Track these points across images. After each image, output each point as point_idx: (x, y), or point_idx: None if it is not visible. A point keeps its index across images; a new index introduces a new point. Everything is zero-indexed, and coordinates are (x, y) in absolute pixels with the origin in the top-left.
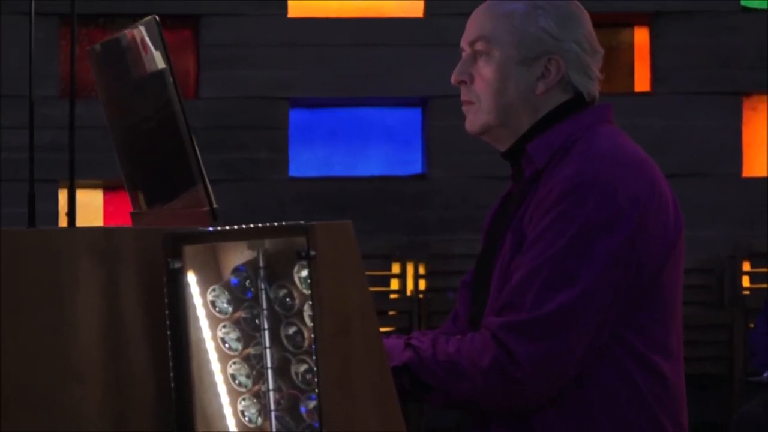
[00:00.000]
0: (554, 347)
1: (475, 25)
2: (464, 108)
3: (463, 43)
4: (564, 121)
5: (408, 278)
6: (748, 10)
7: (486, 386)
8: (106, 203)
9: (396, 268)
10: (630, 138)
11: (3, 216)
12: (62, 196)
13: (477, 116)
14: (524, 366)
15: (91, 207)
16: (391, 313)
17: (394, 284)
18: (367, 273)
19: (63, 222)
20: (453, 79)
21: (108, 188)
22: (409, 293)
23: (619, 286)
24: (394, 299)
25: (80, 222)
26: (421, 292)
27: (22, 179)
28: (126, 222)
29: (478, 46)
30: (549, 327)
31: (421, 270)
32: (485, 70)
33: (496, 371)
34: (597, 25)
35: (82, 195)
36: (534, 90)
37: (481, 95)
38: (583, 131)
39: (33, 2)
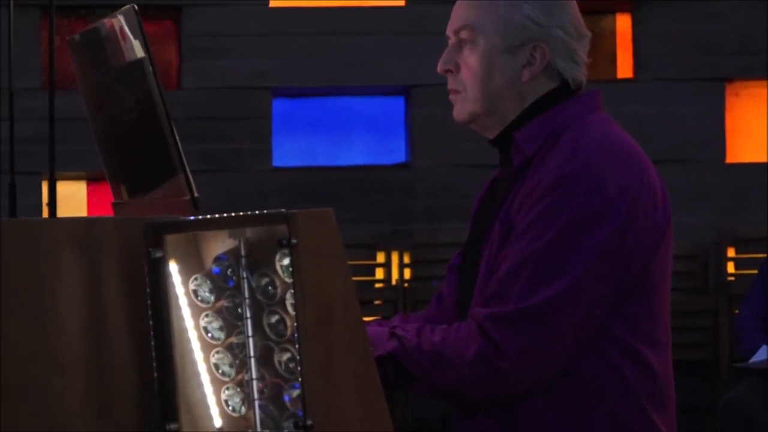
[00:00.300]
0: (540, 339)
1: (459, 13)
2: (451, 97)
3: (449, 31)
4: (552, 109)
5: (393, 267)
6: None
7: (471, 377)
8: (90, 195)
9: (381, 258)
10: (619, 125)
11: None
12: (45, 188)
13: (464, 105)
14: (510, 357)
15: (74, 199)
16: (376, 302)
17: (379, 273)
18: (352, 262)
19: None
20: (439, 68)
21: (91, 180)
22: (394, 282)
23: (608, 278)
24: (379, 288)
25: (64, 214)
26: (407, 281)
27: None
28: (109, 213)
29: (463, 34)
30: (535, 319)
31: (406, 259)
32: (470, 59)
33: (481, 362)
34: (580, 11)
35: (65, 187)
36: (520, 78)
37: (467, 84)
38: (572, 119)
39: None
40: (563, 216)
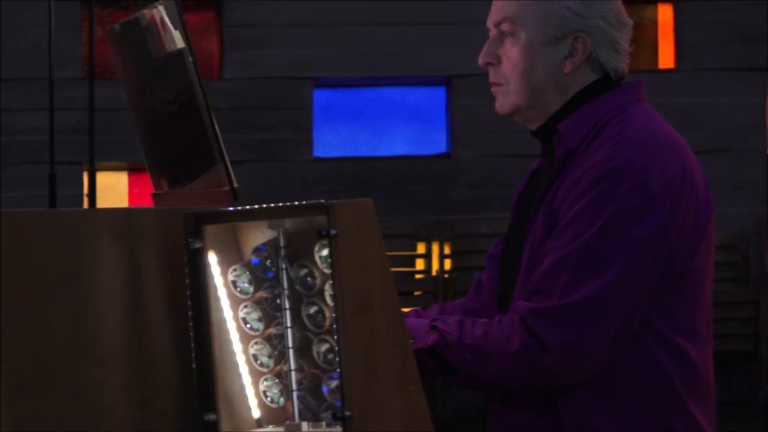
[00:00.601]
0: (584, 334)
1: (500, 5)
2: (493, 89)
3: (489, 24)
4: (595, 100)
5: (433, 258)
6: None
7: (514, 370)
8: (131, 185)
9: (421, 248)
10: (661, 117)
11: (26, 199)
12: (86, 179)
13: (506, 98)
14: (553, 352)
15: (116, 189)
16: (416, 293)
17: (420, 264)
18: (392, 253)
19: (87, 204)
20: (480, 60)
21: (133, 170)
22: (434, 273)
23: (651, 273)
24: (420, 279)
25: (105, 204)
26: (447, 271)
27: (44, 161)
28: (150, 204)
29: (504, 27)
30: (579, 314)
31: (447, 250)
32: (512, 52)
33: (524, 356)
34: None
35: (107, 177)
36: (562, 69)
37: (509, 76)
38: (615, 111)
39: None
40: (606, 211)
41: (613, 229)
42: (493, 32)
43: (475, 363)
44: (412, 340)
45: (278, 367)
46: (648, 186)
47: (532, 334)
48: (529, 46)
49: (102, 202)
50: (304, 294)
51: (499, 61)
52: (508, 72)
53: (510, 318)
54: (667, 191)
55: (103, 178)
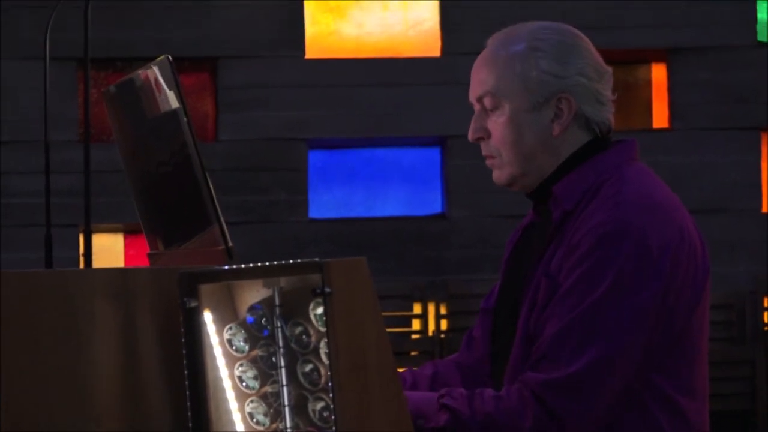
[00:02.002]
0: (592, 401)
1: (478, 80)
2: (488, 162)
3: (471, 99)
4: (589, 161)
5: (429, 318)
6: (764, 44)
7: None
8: (127, 247)
9: (417, 308)
10: (656, 175)
11: (22, 262)
12: (83, 241)
13: (502, 170)
14: (566, 422)
15: (112, 251)
16: (413, 353)
17: (416, 324)
18: (388, 313)
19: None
20: (469, 137)
21: (129, 232)
22: (431, 333)
23: (652, 335)
24: (416, 339)
25: (101, 266)
26: (443, 332)
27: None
28: (146, 265)
29: (486, 102)
30: (586, 382)
31: (443, 310)
32: (498, 124)
33: (539, 430)
34: (613, 62)
35: (102, 239)
36: (551, 132)
37: (500, 148)
38: (610, 171)
39: (47, 47)
40: (608, 276)
41: (615, 294)
42: (477, 107)
43: None
44: (421, 420)
45: (274, 425)
46: (647, 249)
47: (545, 408)
48: (515, 116)
49: (98, 264)
50: (299, 352)
51: (488, 135)
52: (499, 144)
53: (519, 390)
54: (666, 253)
55: (99, 240)
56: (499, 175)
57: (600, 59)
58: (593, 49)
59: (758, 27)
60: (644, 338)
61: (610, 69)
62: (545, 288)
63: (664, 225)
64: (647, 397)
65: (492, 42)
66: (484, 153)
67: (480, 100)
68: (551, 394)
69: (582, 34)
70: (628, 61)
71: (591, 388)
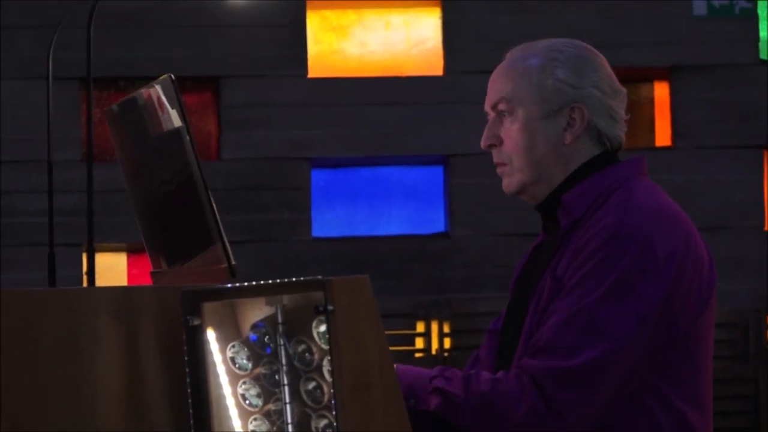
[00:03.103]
0: (591, 397)
1: (494, 88)
2: (498, 170)
3: (486, 107)
4: (599, 173)
5: (433, 337)
6: (766, 62)
7: (522, 430)
8: (130, 266)
9: (421, 327)
10: (664, 192)
11: (25, 281)
12: (86, 260)
13: (512, 177)
14: (562, 414)
15: (115, 270)
16: None
17: (419, 343)
18: (391, 332)
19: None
20: (482, 143)
21: (132, 251)
22: (434, 352)
23: (653, 338)
24: (419, 358)
25: (104, 285)
26: (446, 350)
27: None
28: (149, 283)
29: (501, 107)
30: (586, 376)
31: (446, 328)
32: (512, 130)
33: (534, 418)
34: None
35: (106, 258)
36: (563, 141)
37: (512, 155)
38: (619, 182)
39: (50, 66)
40: (613, 274)
41: (619, 292)
42: (491, 115)
43: (481, 423)
44: (413, 400)
45: None
46: (654, 252)
47: (542, 394)
48: (529, 122)
49: (101, 283)
50: (302, 370)
51: (500, 142)
52: (511, 150)
53: (516, 375)
54: (672, 260)
55: (102, 260)
56: (509, 183)
57: (615, 78)
58: (609, 68)
59: (760, 45)
60: (646, 338)
61: (624, 90)
62: (549, 289)
63: (671, 233)
64: (652, 403)
65: (510, 55)
66: (495, 160)
67: (495, 106)
68: (551, 382)
69: (599, 53)
70: (630, 79)
71: (590, 383)
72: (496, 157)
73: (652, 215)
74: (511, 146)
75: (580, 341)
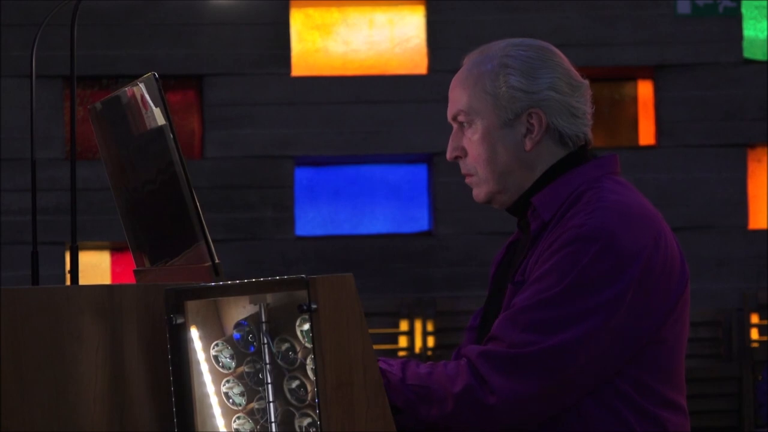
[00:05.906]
0: (529, 388)
1: (453, 98)
2: (467, 180)
3: (449, 119)
4: (569, 173)
5: (416, 335)
6: (750, 61)
7: (456, 411)
8: (114, 264)
9: (404, 326)
10: (636, 189)
11: (8, 279)
12: (69, 258)
13: (480, 187)
14: (497, 394)
15: (98, 268)
16: None
17: (403, 341)
18: (375, 330)
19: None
20: (447, 156)
21: (115, 249)
22: (417, 350)
23: (613, 339)
24: (403, 356)
25: (88, 283)
26: (430, 348)
27: (26, 242)
28: (132, 281)
29: (460, 118)
30: (527, 366)
31: (430, 327)
32: (473, 141)
33: (467, 397)
34: (600, 79)
35: (89, 256)
36: (523, 148)
37: (476, 166)
38: (589, 183)
39: (33, 65)
40: (573, 272)
41: (576, 291)
42: (454, 126)
43: (418, 403)
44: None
45: None
46: (617, 253)
47: (477, 374)
48: (488, 133)
49: (84, 281)
50: (285, 368)
51: (465, 153)
52: (475, 161)
53: (457, 361)
54: (637, 260)
55: (86, 258)
56: (477, 193)
57: (574, 73)
58: (567, 63)
59: (744, 44)
60: (603, 337)
61: (586, 82)
62: (510, 295)
63: (639, 232)
64: (622, 406)
65: (467, 61)
66: (462, 171)
67: (455, 118)
68: (487, 364)
69: (555, 49)
70: (614, 77)
71: (527, 372)
72: (463, 168)
73: (619, 215)
74: (474, 157)
75: (530, 333)
